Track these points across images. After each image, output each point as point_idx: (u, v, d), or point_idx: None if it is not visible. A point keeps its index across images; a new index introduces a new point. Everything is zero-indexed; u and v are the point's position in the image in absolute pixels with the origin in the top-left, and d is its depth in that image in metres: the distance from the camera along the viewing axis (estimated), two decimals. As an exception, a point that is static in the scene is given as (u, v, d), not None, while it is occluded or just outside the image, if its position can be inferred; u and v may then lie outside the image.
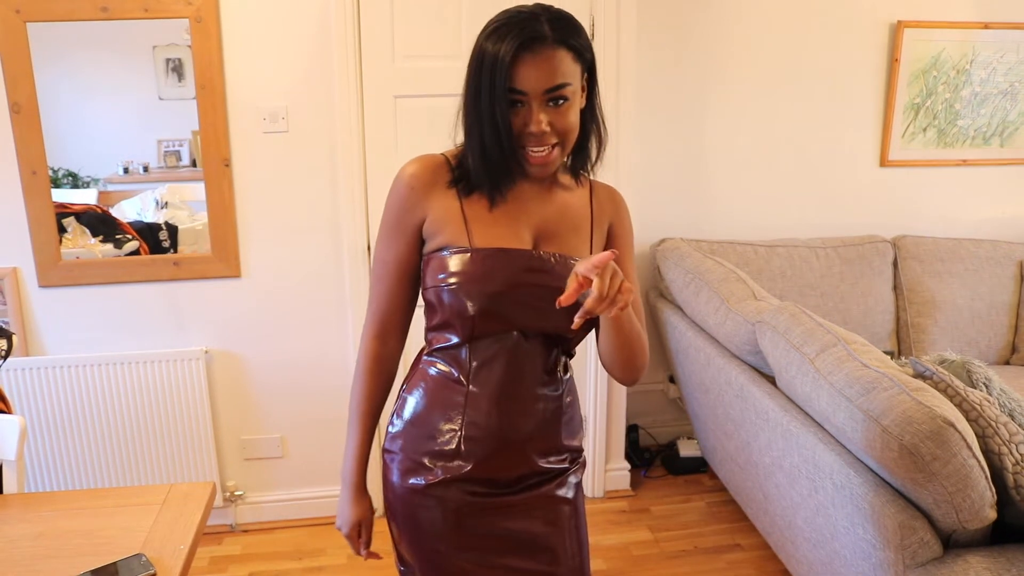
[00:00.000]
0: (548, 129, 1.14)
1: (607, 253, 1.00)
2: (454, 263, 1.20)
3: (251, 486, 2.74)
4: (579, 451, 1.37)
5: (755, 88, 3.03)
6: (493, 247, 1.20)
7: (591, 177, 1.32)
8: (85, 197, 2.54)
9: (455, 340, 1.24)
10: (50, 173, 2.40)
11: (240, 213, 2.51)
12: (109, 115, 2.55)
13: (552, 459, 1.30)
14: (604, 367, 1.28)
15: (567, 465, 1.33)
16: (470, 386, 1.24)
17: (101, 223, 2.54)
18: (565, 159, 1.24)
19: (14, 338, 1.88)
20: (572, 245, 1.25)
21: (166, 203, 2.61)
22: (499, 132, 1.14)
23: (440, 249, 1.22)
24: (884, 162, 3.19)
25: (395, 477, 1.29)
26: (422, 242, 1.26)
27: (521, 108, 1.14)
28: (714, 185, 3.10)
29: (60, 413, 2.50)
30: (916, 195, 3.27)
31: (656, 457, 3.15)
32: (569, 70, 1.13)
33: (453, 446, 1.24)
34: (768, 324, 2.12)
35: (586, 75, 1.19)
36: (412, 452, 1.28)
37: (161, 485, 1.60)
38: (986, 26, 3.09)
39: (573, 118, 1.16)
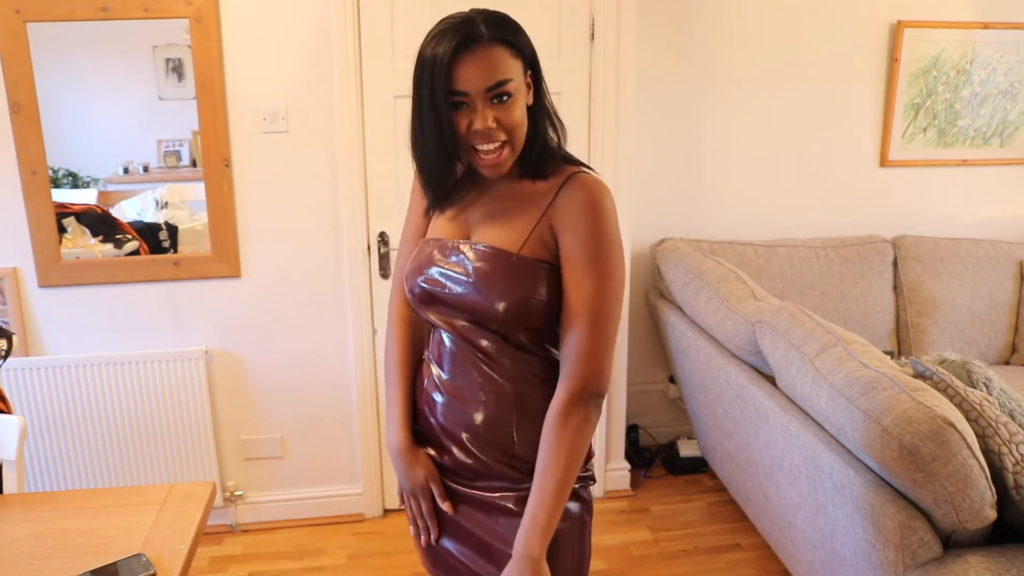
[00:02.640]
0: (495, 125, 1.14)
1: None
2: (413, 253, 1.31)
3: (251, 486, 2.74)
4: (525, 472, 1.23)
5: (755, 88, 3.03)
6: (426, 237, 1.29)
7: (582, 170, 1.23)
8: (85, 197, 2.54)
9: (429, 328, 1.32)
10: (50, 173, 2.40)
11: (240, 213, 2.51)
12: (109, 115, 2.55)
13: (512, 464, 1.23)
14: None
15: (507, 483, 1.24)
16: (426, 367, 1.31)
17: (101, 223, 2.54)
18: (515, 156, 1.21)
19: (14, 338, 1.88)
20: (497, 236, 1.21)
21: (166, 203, 2.61)
22: (442, 136, 1.15)
23: None
24: (884, 162, 3.19)
25: None
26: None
27: (465, 110, 1.14)
28: (714, 185, 3.10)
29: (60, 413, 2.50)
30: (916, 195, 3.27)
31: (656, 457, 3.15)
32: (509, 67, 1.14)
33: (419, 426, 1.32)
34: (768, 324, 2.12)
35: (530, 72, 1.19)
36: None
37: (161, 485, 1.60)
38: (986, 26, 3.09)
39: (519, 114, 1.16)
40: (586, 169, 1.24)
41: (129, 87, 2.53)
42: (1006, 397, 1.78)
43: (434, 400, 1.28)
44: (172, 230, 2.58)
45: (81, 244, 2.51)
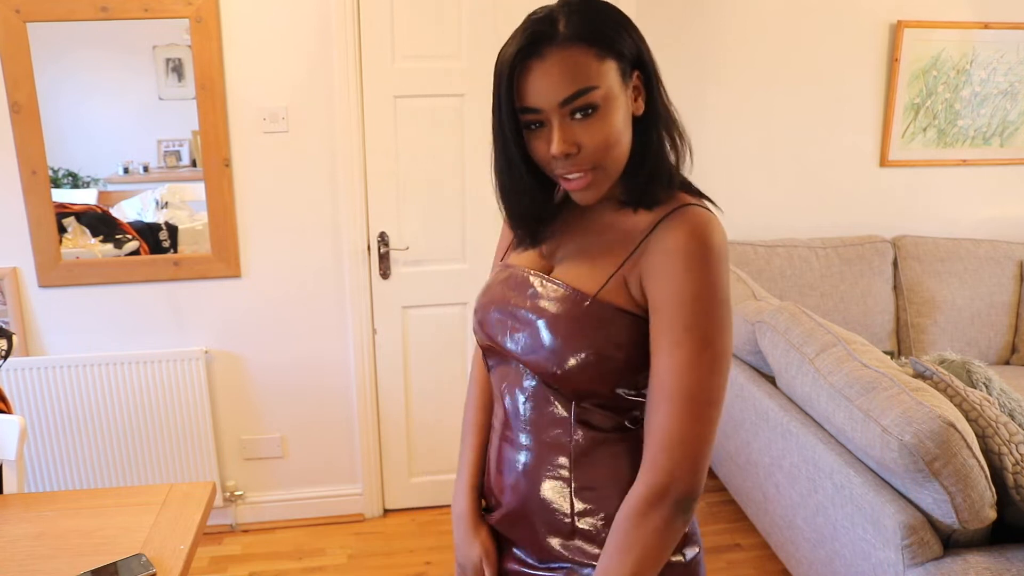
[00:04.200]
0: (575, 150, 0.92)
1: None
2: None
3: (251, 486, 2.74)
4: (584, 564, 1.02)
5: (755, 88, 3.03)
6: (500, 263, 1.10)
7: (684, 204, 0.97)
8: (85, 197, 2.54)
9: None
10: (50, 173, 2.40)
11: (240, 213, 2.51)
12: (109, 115, 2.55)
13: (561, 545, 1.03)
14: None
15: (561, 554, 1.03)
16: (493, 418, 1.11)
17: (101, 223, 2.54)
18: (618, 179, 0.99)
19: (14, 338, 1.88)
20: (577, 274, 0.99)
21: (166, 203, 2.61)
22: (510, 163, 0.97)
23: None
24: (884, 162, 3.19)
25: None
26: None
27: (542, 130, 0.94)
28: (714, 185, 3.07)
29: (60, 413, 2.50)
30: (916, 195, 3.27)
31: (656, 457, 3.15)
32: (594, 71, 0.90)
33: (485, 482, 1.14)
34: (768, 324, 2.12)
35: (637, 73, 0.96)
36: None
37: (161, 485, 1.60)
38: (986, 26, 3.09)
39: (611, 130, 0.92)
40: (706, 203, 0.99)
41: (129, 87, 2.53)
42: (1006, 397, 1.78)
43: (492, 443, 1.12)
44: (172, 230, 2.58)
45: (81, 244, 2.51)
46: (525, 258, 1.07)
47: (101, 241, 2.53)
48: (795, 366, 1.95)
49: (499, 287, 1.06)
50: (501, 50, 0.94)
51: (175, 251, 2.56)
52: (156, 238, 2.56)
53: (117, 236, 2.55)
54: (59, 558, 1.36)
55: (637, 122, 0.98)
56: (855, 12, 3.02)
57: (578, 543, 1.01)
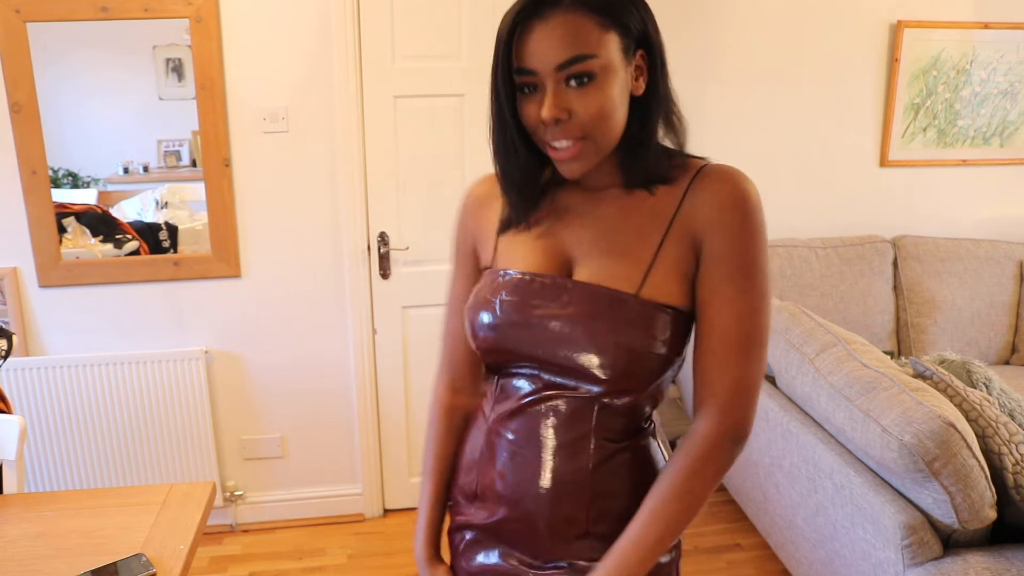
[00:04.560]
0: (565, 116, 0.90)
1: None
2: (477, 285, 1.05)
3: (251, 486, 2.74)
4: (589, 559, 1.02)
5: (754, 88, 3.03)
6: (505, 268, 1.01)
7: (703, 164, 0.98)
8: (85, 197, 2.54)
9: (487, 373, 1.08)
10: (50, 173, 2.40)
11: (240, 213, 2.51)
12: (109, 115, 2.55)
13: (578, 545, 1.01)
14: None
15: (576, 558, 1.01)
16: (490, 424, 1.05)
17: (101, 223, 2.54)
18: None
19: (14, 338, 1.88)
20: (608, 270, 0.96)
21: (166, 203, 2.61)
22: (505, 128, 0.94)
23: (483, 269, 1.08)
24: (884, 162, 3.19)
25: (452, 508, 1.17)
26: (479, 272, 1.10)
27: (535, 94, 0.91)
28: (714, 185, 3.10)
29: (60, 413, 2.50)
30: (916, 195, 3.27)
31: (656, 457, 3.15)
32: (594, 39, 0.88)
33: (472, 487, 1.08)
34: (768, 324, 2.12)
35: (641, 52, 0.94)
36: (454, 485, 1.14)
37: (161, 485, 1.60)
38: (986, 26, 3.09)
39: (605, 102, 0.90)
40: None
41: (129, 87, 2.53)
42: (1006, 397, 1.78)
43: (493, 453, 1.04)
44: (172, 230, 2.58)
45: (81, 244, 2.51)
46: (532, 260, 1.00)
47: (101, 241, 2.53)
48: (795, 366, 1.95)
49: (515, 299, 0.99)
50: (507, 12, 0.92)
51: (175, 251, 2.56)
52: (156, 238, 2.56)
53: (117, 236, 2.55)
54: (59, 558, 1.36)
55: (636, 102, 0.96)
56: (855, 12, 3.02)
57: (588, 542, 1.01)
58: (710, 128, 3.04)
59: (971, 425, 1.57)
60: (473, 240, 1.10)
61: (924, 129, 3.18)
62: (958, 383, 1.67)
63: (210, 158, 2.44)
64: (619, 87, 0.92)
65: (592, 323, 0.94)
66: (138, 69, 2.49)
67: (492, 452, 1.04)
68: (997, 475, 1.55)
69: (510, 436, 1.02)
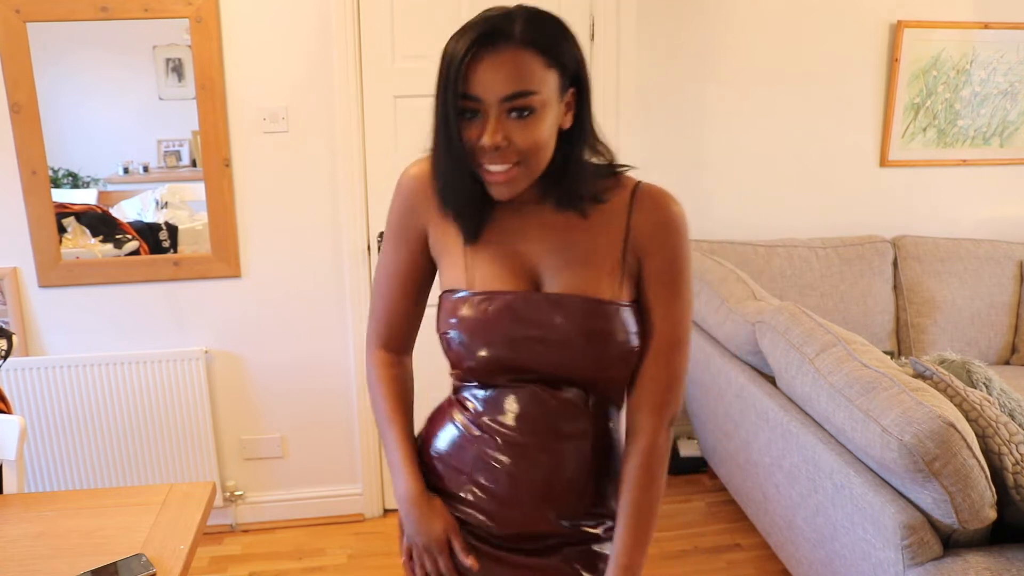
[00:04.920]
0: (505, 144, 0.97)
1: None
2: (455, 308, 1.09)
3: (251, 486, 2.74)
4: (604, 516, 1.17)
5: (755, 88, 3.03)
6: (488, 290, 1.07)
7: (636, 183, 1.09)
8: (85, 197, 2.54)
9: (469, 384, 1.14)
10: (50, 173, 2.40)
11: (240, 213, 2.51)
12: (109, 115, 2.55)
13: (584, 523, 1.14)
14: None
15: (600, 533, 1.15)
16: (484, 431, 1.11)
17: (101, 223, 2.54)
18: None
19: (14, 338, 1.88)
20: (586, 278, 1.06)
21: (166, 203, 2.61)
22: (451, 147, 1.00)
23: (448, 290, 1.12)
24: (884, 162, 3.19)
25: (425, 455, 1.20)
26: (427, 255, 1.15)
27: (477, 120, 0.98)
28: (714, 185, 3.10)
29: (60, 413, 2.50)
30: (916, 195, 3.27)
31: (656, 457, 3.15)
32: (538, 77, 0.96)
33: (463, 492, 1.14)
34: (768, 324, 2.12)
35: (573, 90, 1.03)
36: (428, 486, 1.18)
37: (161, 485, 1.60)
38: (986, 26, 3.09)
39: (540, 135, 0.98)
40: (630, 172, 1.11)
41: (129, 87, 2.53)
42: (1006, 397, 1.78)
43: (489, 463, 1.11)
44: (172, 230, 2.58)
45: (81, 244, 2.51)
46: (509, 279, 1.08)
47: (101, 241, 2.53)
48: (795, 366, 1.95)
49: (509, 319, 1.06)
50: (453, 36, 0.99)
51: (175, 251, 2.56)
52: (156, 238, 2.56)
53: (117, 236, 2.55)
54: (59, 558, 1.36)
55: (563, 134, 1.04)
56: (855, 12, 3.02)
57: (589, 521, 1.14)
58: (710, 128, 3.04)
59: (971, 425, 1.57)
60: (423, 225, 1.13)
61: (924, 129, 3.18)
62: (958, 383, 1.67)
63: (210, 158, 2.44)
64: (552, 120, 1.00)
65: (585, 331, 1.05)
66: (138, 69, 2.49)
67: (489, 458, 1.11)
68: (997, 475, 1.55)
69: (515, 439, 1.09)
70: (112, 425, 2.54)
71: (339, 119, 2.45)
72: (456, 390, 1.18)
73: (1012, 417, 1.68)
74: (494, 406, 1.11)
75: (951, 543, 1.59)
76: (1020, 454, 1.55)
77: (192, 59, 2.35)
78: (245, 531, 2.73)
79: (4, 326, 2.12)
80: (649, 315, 1.08)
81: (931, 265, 3.06)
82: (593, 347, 1.05)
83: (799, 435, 1.93)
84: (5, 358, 1.84)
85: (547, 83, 0.98)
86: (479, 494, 1.12)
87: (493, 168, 0.99)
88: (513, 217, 1.09)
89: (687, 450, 3.04)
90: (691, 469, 3.04)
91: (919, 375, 1.73)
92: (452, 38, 0.99)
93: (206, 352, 2.57)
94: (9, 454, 1.66)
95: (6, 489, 1.70)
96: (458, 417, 1.15)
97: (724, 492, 2.85)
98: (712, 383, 2.47)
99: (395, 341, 1.23)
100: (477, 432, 1.12)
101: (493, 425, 1.11)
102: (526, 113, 0.97)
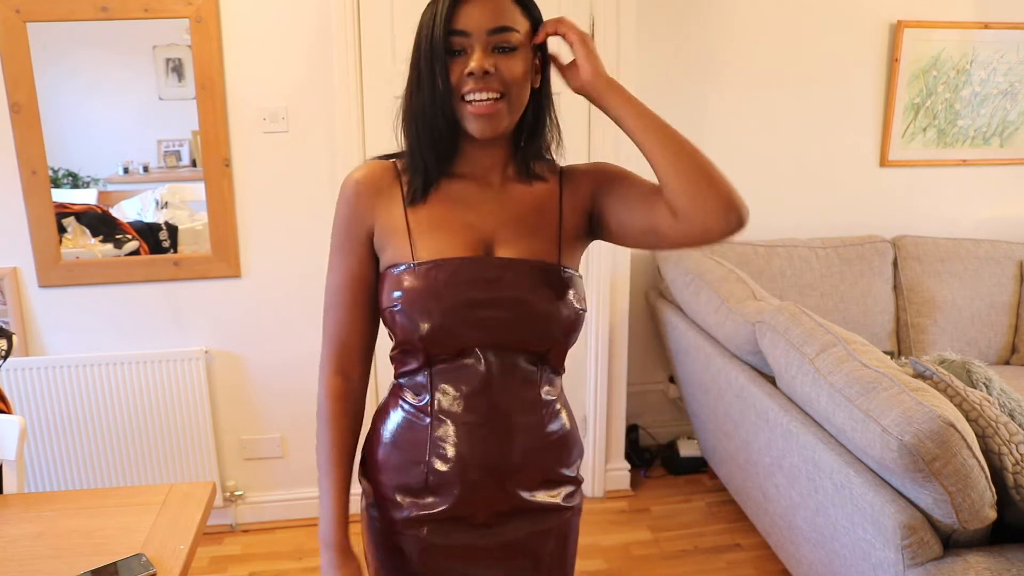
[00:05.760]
0: (492, 71, 1.03)
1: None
2: (398, 280, 1.08)
3: (251, 486, 2.74)
4: (577, 483, 1.21)
5: (755, 88, 3.03)
6: (435, 258, 1.08)
7: (561, 165, 1.19)
8: (85, 197, 2.54)
9: (414, 365, 1.12)
10: (50, 173, 2.40)
11: (240, 213, 2.51)
12: (109, 115, 2.55)
13: (543, 492, 1.16)
14: (684, 213, 1.08)
15: (560, 501, 1.18)
16: (435, 416, 1.11)
17: (101, 223, 2.54)
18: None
19: (14, 338, 1.88)
20: (534, 247, 1.11)
21: (166, 203, 2.61)
22: (435, 89, 1.04)
23: (389, 266, 1.11)
24: (884, 162, 3.19)
25: (373, 507, 1.21)
26: (375, 258, 1.14)
27: (461, 56, 1.04)
28: (714, 185, 3.09)
29: (60, 413, 2.50)
30: (916, 195, 3.27)
31: (656, 457, 3.15)
32: (516, 19, 1.05)
33: (420, 481, 1.13)
34: (768, 324, 2.12)
35: (539, 54, 1.10)
36: (384, 485, 1.17)
37: (161, 485, 1.60)
38: (986, 26, 3.09)
39: (521, 69, 1.05)
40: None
41: (129, 87, 2.53)
42: (1006, 397, 1.78)
43: (446, 441, 1.11)
44: (172, 230, 2.58)
45: (81, 244, 2.51)
46: (460, 246, 1.09)
47: (101, 241, 2.53)
48: (795, 366, 1.95)
49: (458, 286, 1.07)
50: (429, 4, 1.07)
51: (175, 251, 2.56)
52: (156, 238, 2.56)
53: (117, 236, 2.55)
54: (59, 558, 1.36)
55: (533, 94, 1.11)
56: (855, 12, 3.02)
57: (548, 488, 1.17)
58: (710, 128, 3.04)
59: (971, 425, 1.57)
60: (369, 227, 1.13)
61: (924, 129, 3.18)
62: (958, 383, 1.67)
63: (210, 158, 2.44)
64: (527, 65, 1.07)
65: (537, 295, 1.08)
66: (138, 69, 2.49)
67: (444, 441, 1.11)
68: (997, 475, 1.55)
69: (468, 418, 1.10)
70: (112, 425, 2.54)
71: (339, 119, 2.45)
72: (399, 377, 1.17)
73: (1012, 417, 1.68)
74: (441, 387, 1.10)
75: (951, 543, 1.59)
76: (1020, 454, 1.55)
77: (192, 59, 2.35)
78: (245, 531, 2.73)
79: (4, 326, 2.12)
80: (624, 186, 1.14)
81: (931, 265, 3.06)
82: (545, 310, 1.08)
83: (799, 435, 1.93)
84: (5, 358, 1.84)
85: (522, 28, 1.06)
86: (437, 481, 1.11)
87: (479, 97, 1.03)
88: (461, 191, 1.12)
89: (687, 450, 3.05)
90: (691, 469, 3.04)
91: (919, 375, 1.73)
92: (429, 5, 1.07)
93: (206, 352, 2.57)
94: (9, 454, 1.66)
95: (6, 489, 1.70)
96: (405, 407, 1.15)
97: (724, 492, 2.85)
98: (712, 383, 2.47)
99: (350, 362, 1.20)
100: (427, 419, 1.11)
101: (443, 407, 1.10)
102: (507, 49, 1.04)
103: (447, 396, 1.10)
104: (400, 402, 1.16)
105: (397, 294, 1.08)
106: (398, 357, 1.16)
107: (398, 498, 1.16)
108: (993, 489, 1.53)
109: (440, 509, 1.13)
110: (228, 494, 2.70)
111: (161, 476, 2.60)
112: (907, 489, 1.59)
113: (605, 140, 2.57)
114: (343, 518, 1.18)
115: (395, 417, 1.17)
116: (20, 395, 2.47)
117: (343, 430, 1.20)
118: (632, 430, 3.14)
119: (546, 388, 1.14)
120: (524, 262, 1.09)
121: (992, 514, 1.54)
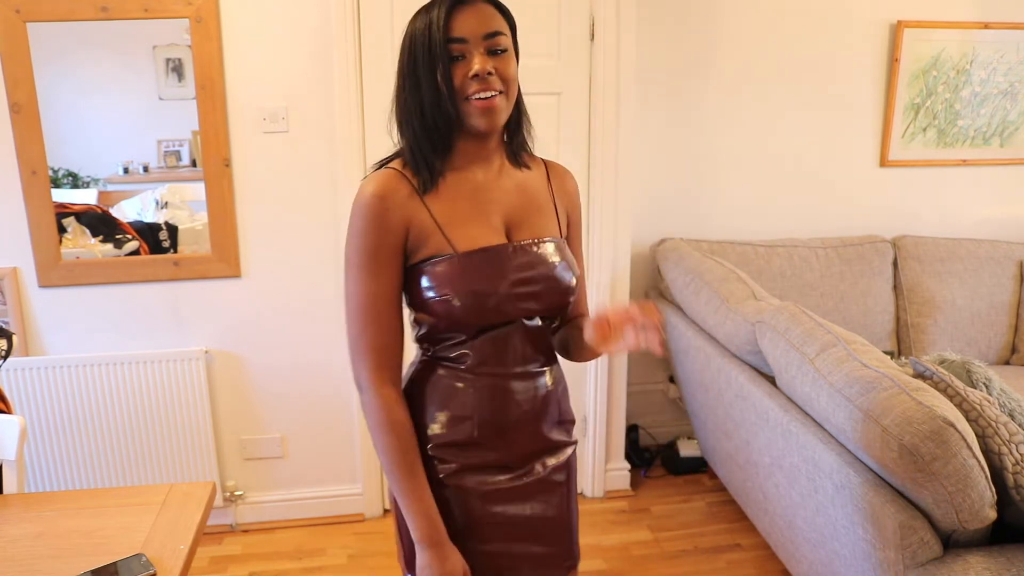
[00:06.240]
0: (492, 71, 1.15)
1: (649, 310, 1.13)
2: (446, 271, 1.18)
3: (251, 486, 2.74)
4: (573, 421, 1.42)
5: (755, 88, 3.03)
6: (476, 248, 1.21)
7: (539, 156, 1.37)
8: (85, 197, 2.54)
9: (459, 338, 1.24)
10: (50, 173, 2.40)
11: (240, 213, 2.51)
12: (109, 115, 2.55)
13: (557, 431, 1.35)
14: (560, 353, 1.39)
15: (567, 438, 1.38)
16: (481, 375, 1.24)
17: (101, 223, 2.54)
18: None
19: (14, 338, 1.88)
20: (541, 226, 1.29)
21: (166, 203, 2.61)
22: (439, 92, 1.15)
23: (426, 261, 1.19)
24: (884, 162, 3.19)
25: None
26: (403, 268, 1.22)
27: (462, 61, 1.16)
28: (714, 185, 3.10)
29: (60, 413, 2.50)
30: (916, 195, 3.27)
31: (656, 457, 3.15)
32: (502, 24, 1.18)
33: (467, 436, 1.25)
34: (768, 324, 2.12)
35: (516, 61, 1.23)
36: (432, 444, 1.26)
37: (161, 485, 1.60)
38: (986, 26, 3.09)
39: (513, 70, 1.19)
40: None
41: (129, 87, 2.53)
42: (1006, 397, 1.78)
43: (494, 397, 1.25)
44: (172, 230, 2.58)
45: (81, 244, 2.51)
46: (491, 235, 1.23)
47: (101, 241, 2.53)
48: (795, 366, 1.95)
49: (489, 266, 1.20)
50: (418, 16, 1.17)
51: (175, 251, 2.56)
52: (156, 238, 2.56)
53: (117, 236, 2.55)
54: (59, 558, 1.36)
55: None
56: (855, 12, 3.02)
57: (563, 427, 1.37)
58: (711, 128, 3.04)
59: (971, 425, 1.57)
60: (404, 235, 1.20)
61: (924, 129, 3.18)
62: (958, 383, 1.67)
63: (210, 158, 2.44)
64: (516, 66, 1.21)
65: (560, 268, 1.27)
66: (138, 69, 2.49)
67: (490, 396, 1.25)
68: (997, 475, 1.55)
69: (507, 372, 1.25)
70: (112, 425, 2.54)
71: (339, 119, 2.45)
72: (434, 351, 1.27)
73: (1012, 417, 1.68)
74: (484, 352, 1.23)
75: (951, 543, 1.59)
76: (1020, 454, 1.55)
77: (192, 59, 2.35)
78: (245, 531, 2.73)
79: (4, 326, 2.12)
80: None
81: (931, 265, 3.06)
82: (567, 279, 1.27)
83: (799, 435, 1.93)
84: (5, 358, 1.84)
85: (508, 34, 1.19)
86: (485, 432, 1.25)
87: (483, 95, 1.15)
88: (469, 184, 1.24)
89: (687, 450, 3.05)
90: (691, 469, 3.04)
91: (919, 375, 1.73)
92: (418, 17, 1.17)
93: (206, 352, 2.57)
94: (9, 454, 1.66)
95: (6, 489, 1.70)
96: (447, 373, 1.25)
97: (724, 492, 2.85)
98: (712, 383, 2.47)
99: (395, 370, 1.24)
100: (471, 376, 1.24)
101: (486, 369, 1.24)
102: (501, 51, 1.17)
103: (490, 359, 1.24)
104: (441, 370, 1.26)
105: (443, 284, 1.18)
106: (433, 336, 1.25)
107: (446, 455, 1.26)
108: (993, 489, 1.53)
109: (486, 459, 1.26)
110: (228, 494, 2.70)
111: (161, 476, 2.61)
112: (907, 489, 1.59)
113: (605, 140, 2.57)
114: (439, 515, 1.23)
115: (438, 383, 1.26)
116: (20, 395, 2.47)
117: (412, 433, 1.24)
118: (632, 430, 3.15)
119: (551, 341, 1.34)
120: (545, 242, 1.27)
121: (992, 514, 1.54)
